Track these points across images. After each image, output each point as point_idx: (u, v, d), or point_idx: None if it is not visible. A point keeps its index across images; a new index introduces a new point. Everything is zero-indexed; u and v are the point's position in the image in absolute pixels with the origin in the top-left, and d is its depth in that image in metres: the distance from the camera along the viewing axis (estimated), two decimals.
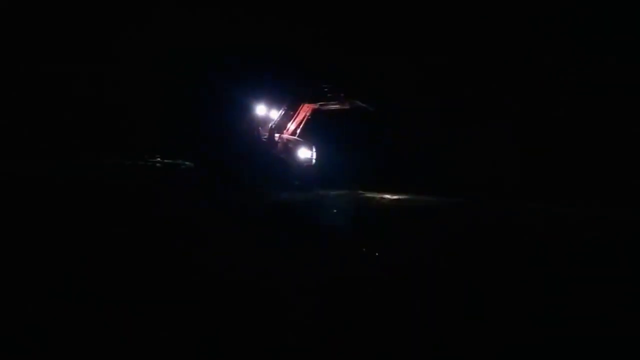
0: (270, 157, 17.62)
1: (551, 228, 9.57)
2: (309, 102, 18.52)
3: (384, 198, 15.76)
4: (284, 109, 18.54)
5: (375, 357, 3.81)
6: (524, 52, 20.28)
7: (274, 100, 18.59)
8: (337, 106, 18.32)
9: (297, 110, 18.62)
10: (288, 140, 18.42)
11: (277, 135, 18.37)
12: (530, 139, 19.24)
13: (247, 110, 18.14)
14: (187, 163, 19.21)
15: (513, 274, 6.03)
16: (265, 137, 18.17)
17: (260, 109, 18.23)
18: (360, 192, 16.56)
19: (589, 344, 4.13)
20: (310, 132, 18.85)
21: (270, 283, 5.26)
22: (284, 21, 22.16)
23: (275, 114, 18.61)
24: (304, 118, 18.63)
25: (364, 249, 6.35)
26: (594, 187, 14.72)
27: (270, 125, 18.31)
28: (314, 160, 18.40)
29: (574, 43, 19.33)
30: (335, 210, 12.40)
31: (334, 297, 4.89)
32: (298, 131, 18.70)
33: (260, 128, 18.09)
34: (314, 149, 18.46)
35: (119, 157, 18.78)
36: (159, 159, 19.25)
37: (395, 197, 16.05)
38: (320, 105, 18.46)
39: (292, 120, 18.70)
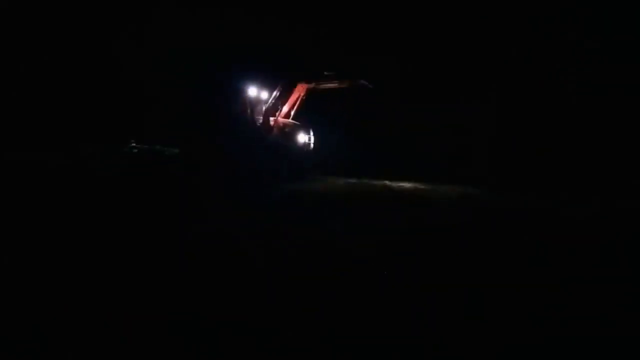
0: (266, 142, 16.36)
1: (551, 227, 9.57)
2: (305, 82, 17.19)
3: (388, 185, 15.64)
4: (278, 90, 17.11)
5: (375, 357, 3.81)
6: (524, 50, 20.25)
7: (265, 80, 17.18)
8: (334, 85, 17.07)
9: (291, 91, 17.31)
10: (284, 124, 17.11)
11: (271, 119, 17.00)
12: (530, 137, 19.25)
13: (238, 93, 16.69)
14: (166, 148, 18.34)
15: (513, 274, 6.03)
16: (259, 121, 16.84)
17: (252, 91, 16.81)
18: (364, 179, 16.21)
19: (589, 344, 4.13)
20: (306, 114, 17.59)
21: (269, 283, 5.25)
22: (283, 20, 22.03)
23: (266, 96, 17.15)
24: (298, 98, 17.31)
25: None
26: (595, 186, 14.74)
27: (263, 108, 16.91)
28: (312, 145, 17.34)
29: (574, 41, 19.33)
30: (336, 202, 12.25)
31: (333, 297, 4.89)
32: (292, 113, 17.41)
33: (253, 111, 16.72)
34: (311, 133, 17.37)
35: (98, 145, 18.29)
36: (134, 144, 18.41)
37: (398, 184, 15.93)
38: (316, 84, 17.15)
39: (285, 102, 17.31)
